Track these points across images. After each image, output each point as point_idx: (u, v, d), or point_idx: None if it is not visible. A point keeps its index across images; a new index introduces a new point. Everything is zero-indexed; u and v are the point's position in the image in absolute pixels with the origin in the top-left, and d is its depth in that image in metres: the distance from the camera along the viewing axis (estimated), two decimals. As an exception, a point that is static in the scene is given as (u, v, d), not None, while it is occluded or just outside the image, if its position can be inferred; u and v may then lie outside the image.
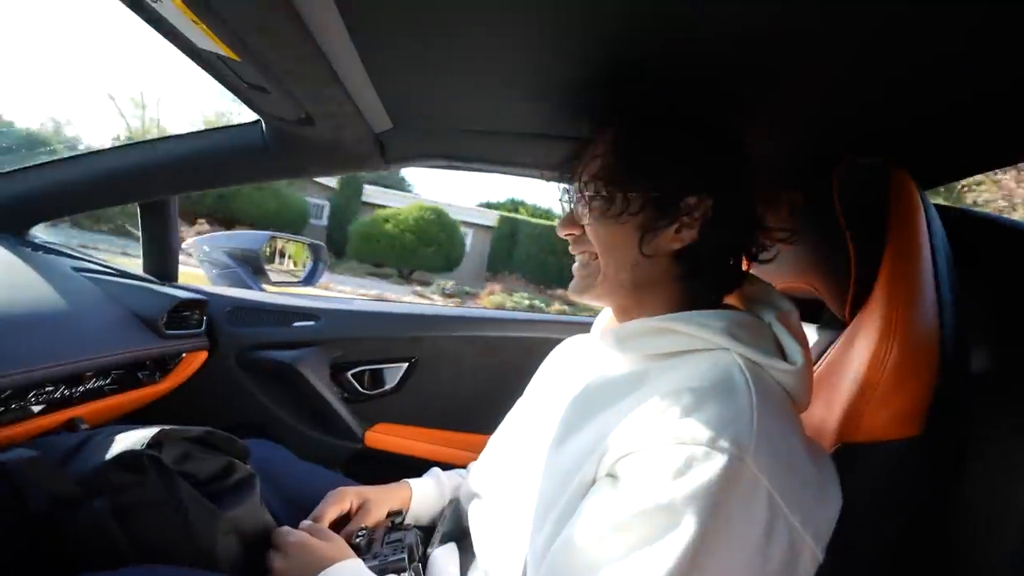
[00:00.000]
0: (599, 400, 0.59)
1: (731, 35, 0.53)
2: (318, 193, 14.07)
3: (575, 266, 0.68)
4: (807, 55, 0.55)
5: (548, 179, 0.73)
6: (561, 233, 0.67)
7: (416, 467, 0.98)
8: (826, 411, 0.59)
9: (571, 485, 0.53)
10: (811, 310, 0.81)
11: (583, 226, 0.65)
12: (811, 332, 0.83)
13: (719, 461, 0.45)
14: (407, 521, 0.84)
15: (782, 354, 0.56)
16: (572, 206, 0.66)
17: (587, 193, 0.63)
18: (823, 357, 0.72)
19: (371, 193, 14.60)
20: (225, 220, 10.98)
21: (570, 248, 0.67)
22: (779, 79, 0.60)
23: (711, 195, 0.59)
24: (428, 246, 11.76)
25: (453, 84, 0.73)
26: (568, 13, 0.53)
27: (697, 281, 0.62)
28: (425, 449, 1.33)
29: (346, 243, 12.61)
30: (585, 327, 0.87)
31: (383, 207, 13.59)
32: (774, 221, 0.64)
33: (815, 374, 0.60)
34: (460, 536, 0.77)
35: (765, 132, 0.73)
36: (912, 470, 0.52)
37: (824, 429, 0.58)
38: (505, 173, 1.07)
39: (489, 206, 19.51)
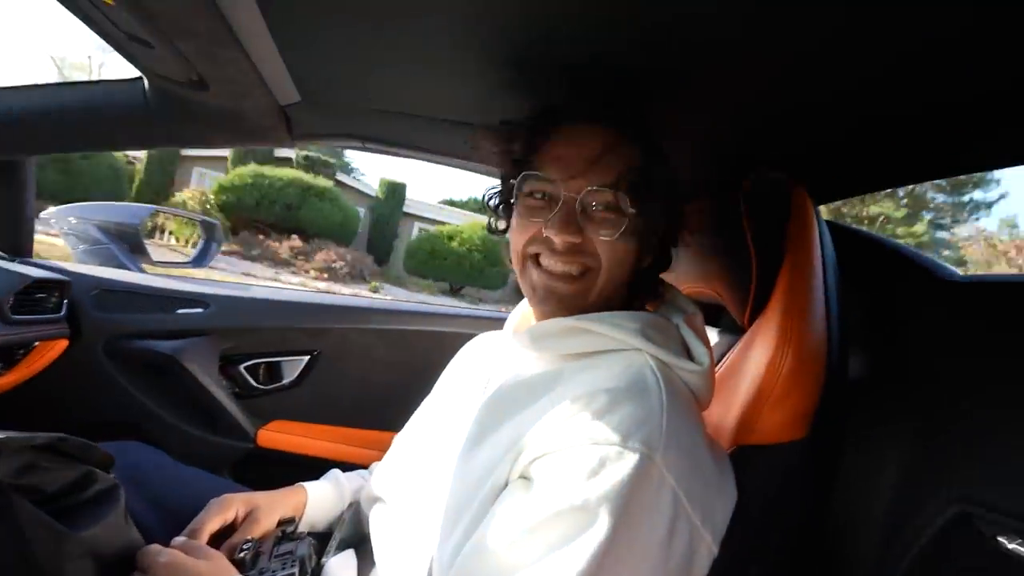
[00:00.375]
0: (513, 401, 0.58)
1: (659, 44, 0.53)
2: (357, 200, 13.21)
3: (555, 276, 0.60)
4: (724, 74, 0.57)
5: (473, 169, 0.70)
6: (563, 240, 0.57)
7: (315, 468, 0.91)
8: (725, 411, 0.63)
9: (483, 489, 0.52)
10: (712, 314, 0.85)
11: (582, 234, 0.58)
12: (712, 335, 0.88)
13: (631, 460, 0.46)
14: (301, 528, 0.77)
15: (688, 355, 0.59)
16: (579, 210, 0.58)
17: (616, 202, 0.58)
18: (723, 360, 0.76)
19: (407, 204, 13.81)
20: (290, 231, 10.51)
21: (560, 258, 0.59)
22: (696, 99, 0.63)
23: (669, 220, 0.63)
24: (494, 265, 11.70)
25: (372, 60, 0.67)
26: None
27: (638, 295, 0.65)
28: (325, 448, 1.25)
29: (389, 252, 12.95)
30: (497, 323, 0.86)
31: (420, 217, 13.71)
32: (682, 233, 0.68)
33: (716, 376, 0.63)
34: (359, 542, 0.72)
35: (686, 147, 0.75)
36: (799, 471, 0.56)
37: (722, 428, 0.62)
38: (424, 160, 1.02)
39: (451, 204, 18.84)
